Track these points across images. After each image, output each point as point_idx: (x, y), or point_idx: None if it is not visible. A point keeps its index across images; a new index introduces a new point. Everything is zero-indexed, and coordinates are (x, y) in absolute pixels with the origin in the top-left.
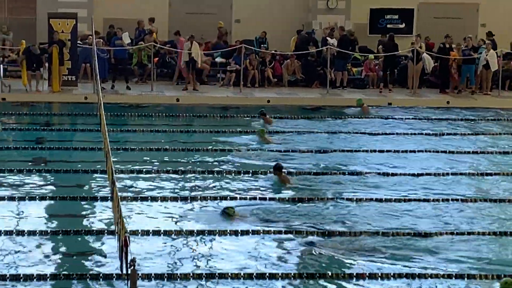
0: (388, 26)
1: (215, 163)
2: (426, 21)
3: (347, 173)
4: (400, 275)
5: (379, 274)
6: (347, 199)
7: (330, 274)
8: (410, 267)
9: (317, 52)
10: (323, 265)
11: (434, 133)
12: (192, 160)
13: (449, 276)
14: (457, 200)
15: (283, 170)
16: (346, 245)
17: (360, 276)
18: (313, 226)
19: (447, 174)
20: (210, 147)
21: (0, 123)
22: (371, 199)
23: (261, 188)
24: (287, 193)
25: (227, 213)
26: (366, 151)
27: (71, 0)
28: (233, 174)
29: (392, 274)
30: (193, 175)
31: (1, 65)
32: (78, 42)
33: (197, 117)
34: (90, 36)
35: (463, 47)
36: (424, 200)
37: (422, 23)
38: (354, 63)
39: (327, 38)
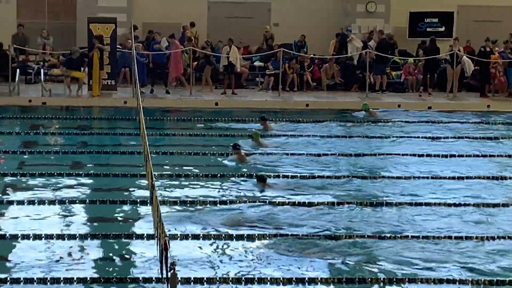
0: (428, 29)
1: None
2: (466, 24)
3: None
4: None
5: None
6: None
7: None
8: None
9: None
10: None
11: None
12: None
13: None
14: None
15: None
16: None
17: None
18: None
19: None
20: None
21: (41, 127)
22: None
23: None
24: None
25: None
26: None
27: (111, 5)
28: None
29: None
30: (232, 179)
31: (42, 70)
32: (118, 46)
33: (235, 121)
34: (130, 40)
35: (502, 49)
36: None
37: (462, 26)
38: (394, 66)
39: (366, 41)
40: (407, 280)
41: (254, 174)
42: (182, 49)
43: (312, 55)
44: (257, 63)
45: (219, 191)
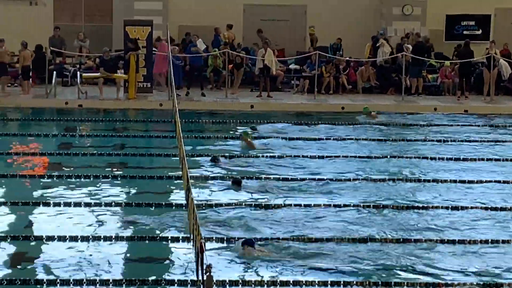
0: (465, 32)
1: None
2: (503, 27)
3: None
4: None
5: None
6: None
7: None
8: None
9: (392, 59)
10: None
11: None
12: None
13: None
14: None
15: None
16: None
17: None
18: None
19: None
20: (285, 154)
21: (78, 130)
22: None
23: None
24: None
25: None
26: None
27: (147, 7)
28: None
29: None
30: (271, 181)
31: (78, 72)
32: (153, 49)
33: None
34: (165, 43)
35: None
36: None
37: (499, 29)
38: (430, 69)
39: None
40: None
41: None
42: (220, 51)
43: (347, 58)
44: (292, 66)
45: (258, 193)
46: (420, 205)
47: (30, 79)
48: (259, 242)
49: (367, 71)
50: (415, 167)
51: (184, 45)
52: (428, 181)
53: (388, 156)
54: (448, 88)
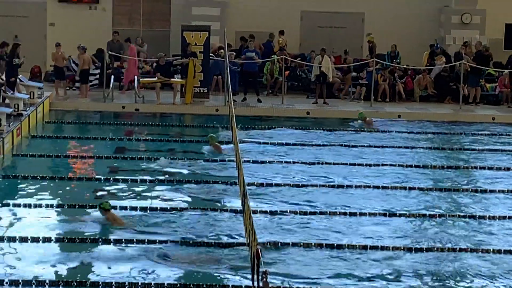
0: None
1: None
2: None
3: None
4: None
5: None
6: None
7: None
8: None
9: (450, 68)
10: None
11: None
12: (323, 172)
13: None
14: None
15: None
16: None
17: None
18: None
19: None
20: (342, 161)
21: (134, 134)
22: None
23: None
24: None
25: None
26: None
27: (205, 13)
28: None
29: None
30: (322, 188)
31: (136, 77)
32: (210, 54)
33: (326, 131)
34: (222, 50)
35: None
36: None
37: None
38: (488, 78)
39: (462, 53)
40: None
41: None
42: (276, 58)
43: (405, 66)
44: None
45: (314, 199)
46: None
47: (89, 82)
48: None
49: (425, 79)
50: (468, 177)
51: (240, 51)
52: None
53: (446, 166)
54: (506, 97)
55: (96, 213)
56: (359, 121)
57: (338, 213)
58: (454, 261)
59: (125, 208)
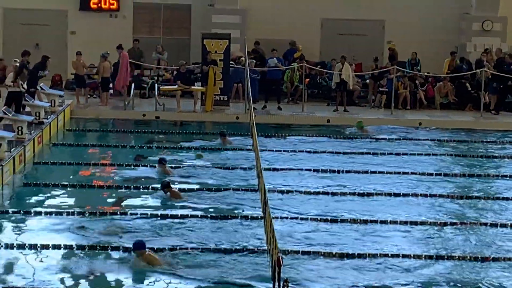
0: None
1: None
2: None
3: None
4: None
5: None
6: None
7: None
8: None
9: (471, 75)
10: None
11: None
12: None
13: None
14: None
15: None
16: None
17: None
18: None
19: None
20: (361, 169)
21: (155, 142)
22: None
23: None
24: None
25: None
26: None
27: (225, 21)
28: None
29: None
30: (343, 196)
31: (156, 84)
32: (230, 62)
33: (347, 138)
34: (242, 58)
35: None
36: None
37: None
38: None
39: (484, 60)
40: None
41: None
42: (297, 66)
43: (426, 73)
44: (369, 81)
45: (334, 207)
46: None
47: (110, 90)
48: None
49: (445, 86)
50: (490, 185)
51: (261, 59)
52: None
53: (467, 174)
54: None
55: (118, 222)
56: (354, 128)
57: (359, 221)
58: (476, 270)
59: (146, 215)
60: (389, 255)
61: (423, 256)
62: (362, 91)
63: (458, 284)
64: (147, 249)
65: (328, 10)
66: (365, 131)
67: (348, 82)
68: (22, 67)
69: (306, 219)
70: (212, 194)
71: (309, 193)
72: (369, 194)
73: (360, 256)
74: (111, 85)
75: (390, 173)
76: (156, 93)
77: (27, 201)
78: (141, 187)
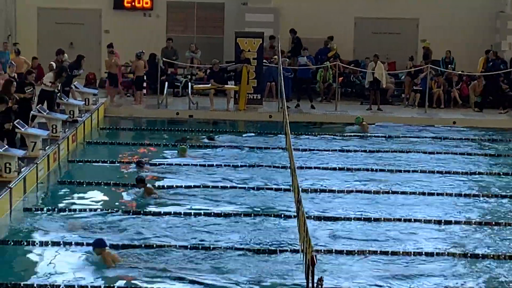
0: None
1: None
2: None
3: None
4: None
5: None
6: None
7: None
8: None
9: (505, 74)
10: None
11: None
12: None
13: None
14: None
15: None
16: None
17: None
18: None
19: None
20: (394, 168)
21: (187, 140)
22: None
23: None
24: None
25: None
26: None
27: (258, 19)
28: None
29: None
30: (376, 195)
31: (189, 83)
32: (264, 61)
33: (381, 137)
34: (276, 57)
35: None
36: None
37: None
38: None
39: None
40: None
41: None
42: (330, 64)
43: (460, 72)
44: (405, 79)
45: (373, 205)
46: None
47: (144, 89)
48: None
49: (480, 85)
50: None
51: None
52: None
53: (502, 173)
54: None
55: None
56: (355, 125)
57: (392, 219)
58: (510, 270)
59: (179, 214)
60: (423, 253)
61: (457, 254)
62: (396, 89)
63: (490, 282)
64: (106, 248)
65: (361, 9)
66: (365, 126)
67: (381, 80)
68: (62, 71)
69: (340, 217)
70: (248, 194)
71: (344, 191)
72: (402, 193)
73: (394, 253)
74: (145, 84)
75: (424, 171)
76: (190, 91)
77: (62, 199)
78: (174, 186)
